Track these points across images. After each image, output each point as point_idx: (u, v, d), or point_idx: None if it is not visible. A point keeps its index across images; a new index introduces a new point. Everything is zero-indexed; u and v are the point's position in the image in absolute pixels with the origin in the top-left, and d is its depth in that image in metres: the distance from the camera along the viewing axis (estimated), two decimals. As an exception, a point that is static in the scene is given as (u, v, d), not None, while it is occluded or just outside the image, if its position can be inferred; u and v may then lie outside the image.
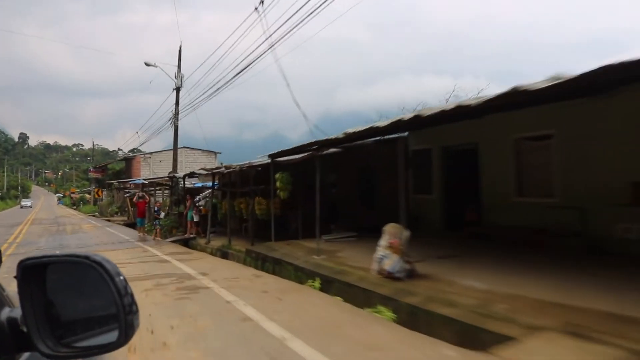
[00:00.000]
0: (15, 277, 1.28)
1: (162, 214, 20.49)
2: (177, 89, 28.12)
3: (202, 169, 20.31)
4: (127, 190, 37.65)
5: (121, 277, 1.26)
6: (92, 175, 57.39)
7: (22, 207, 71.96)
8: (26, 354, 1.39)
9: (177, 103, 28.08)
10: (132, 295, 1.26)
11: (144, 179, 30.52)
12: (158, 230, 20.31)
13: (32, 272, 1.31)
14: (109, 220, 37.02)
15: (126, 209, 43.50)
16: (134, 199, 21.95)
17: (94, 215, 47.03)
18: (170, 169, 43.24)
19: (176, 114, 27.96)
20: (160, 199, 27.98)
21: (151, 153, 48.17)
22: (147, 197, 21.87)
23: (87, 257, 1.28)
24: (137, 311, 1.26)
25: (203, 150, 50.62)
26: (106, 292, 1.24)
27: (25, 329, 1.30)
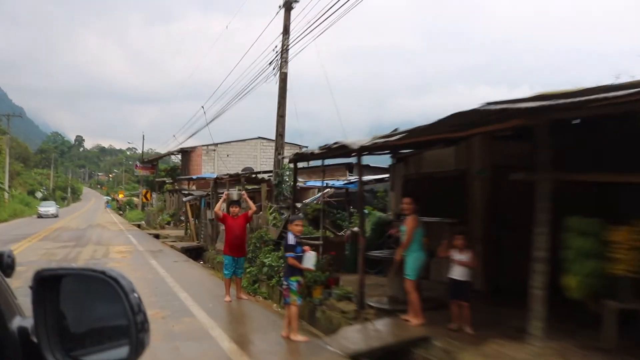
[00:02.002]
0: (30, 287, 1.26)
1: (312, 259, 6.19)
2: (287, 5, 15.27)
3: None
4: (185, 192, 25.13)
5: (135, 295, 1.23)
6: (138, 172, 45.64)
7: (40, 215, 44.40)
8: None
9: (285, 31, 15.26)
10: (145, 313, 1.22)
11: (226, 174, 17.30)
12: (294, 311, 6.28)
13: (47, 283, 1.29)
14: (156, 237, 24.59)
15: (181, 217, 31.21)
16: (217, 209, 8.40)
17: (138, 226, 35.07)
18: (243, 166, 30.56)
19: (284, 50, 15.09)
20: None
21: (216, 144, 35.85)
22: (250, 206, 8.69)
23: (103, 272, 1.26)
24: (148, 329, 1.23)
25: (285, 143, 37.86)
26: (119, 308, 1.21)
27: (35, 340, 1.28)
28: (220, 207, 8.31)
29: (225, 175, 15.63)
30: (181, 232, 25.26)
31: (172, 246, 18.22)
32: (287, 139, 39.02)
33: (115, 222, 39.23)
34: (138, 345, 1.21)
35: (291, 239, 5.86)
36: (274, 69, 15.28)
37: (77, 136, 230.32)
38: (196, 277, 11.01)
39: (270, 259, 10.32)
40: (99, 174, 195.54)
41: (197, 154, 36.37)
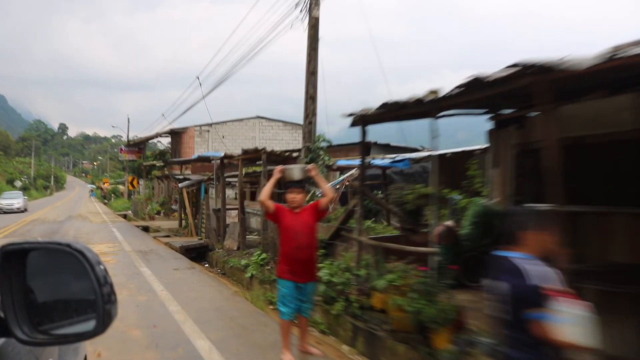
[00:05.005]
0: None
1: (582, 320, 2.13)
2: None
3: None
4: (179, 176, 21.40)
5: (101, 267, 1.23)
6: (124, 157, 41.49)
7: (1, 210, 33.70)
8: (1, 340, 1.33)
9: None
10: (111, 285, 1.23)
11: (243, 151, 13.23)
12: None
13: (12, 257, 1.27)
14: (145, 229, 20.91)
15: (172, 206, 27.52)
16: (264, 197, 4.69)
17: (124, 216, 31.29)
18: (240, 148, 26.91)
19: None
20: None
21: (210, 124, 32.06)
22: (324, 191, 4.83)
23: (68, 245, 1.26)
24: (115, 300, 1.24)
25: (285, 123, 34.26)
26: (86, 281, 1.22)
27: (1, 315, 1.26)
28: (269, 193, 4.65)
29: (240, 152, 11.95)
30: (174, 224, 21.61)
31: (167, 243, 14.53)
32: (287, 119, 35.30)
33: (99, 213, 35.35)
34: (105, 317, 1.21)
35: (537, 272, 2.21)
36: (301, 11, 11.58)
37: (61, 124, 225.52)
38: (213, 300, 7.29)
39: (327, 271, 6.79)
40: (84, 162, 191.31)
41: (189, 136, 32.60)
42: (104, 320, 1.20)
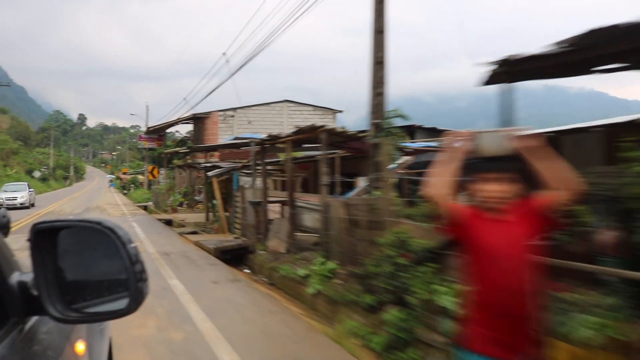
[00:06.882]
0: (28, 240, 1.23)
1: None
2: None
3: None
4: (207, 164, 19.24)
5: (133, 245, 1.23)
6: (143, 144, 39.59)
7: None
8: (35, 318, 1.36)
9: None
10: (142, 263, 1.21)
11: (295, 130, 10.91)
12: None
13: (44, 235, 1.28)
14: (168, 223, 18.88)
15: (196, 197, 25.55)
16: (438, 189, 2.28)
17: (144, 208, 29.45)
18: (267, 132, 24.74)
19: None
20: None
21: (235, 109, 29.91)
22: (552, 175, 2.21)
23: (99, 223, 1.25)
24: (147, 279, 1.23)
25: (315, 107, 31.91)
26: (118, 259, 1.21)
27: (35, 293, 1.27)
28: (449, 183, 2.33)
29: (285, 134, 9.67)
30: (199, 217, 19.57)
31: (197, 243, 12.38)
32: (313, 102, 32.88)
33: (118, 204, 33.63)
34: (137, 295, 1.19)
35: None
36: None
37: (80, 114, 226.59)
38: (283, 340, 4.88)
39: (446, 297, 4.56)
40: (103, 152, 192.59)
41: (212, 121, 30.47)
42: (137, 299, 1.19)
